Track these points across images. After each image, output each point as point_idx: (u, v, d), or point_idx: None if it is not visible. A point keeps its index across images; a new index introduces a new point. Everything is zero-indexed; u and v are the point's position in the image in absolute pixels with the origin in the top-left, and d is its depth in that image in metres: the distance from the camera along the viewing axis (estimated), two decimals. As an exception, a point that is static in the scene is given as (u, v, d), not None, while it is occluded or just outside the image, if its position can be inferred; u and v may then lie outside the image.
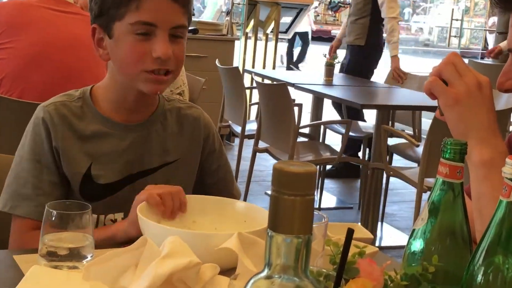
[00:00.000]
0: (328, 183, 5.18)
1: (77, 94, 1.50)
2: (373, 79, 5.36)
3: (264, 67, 6.98)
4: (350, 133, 4.74)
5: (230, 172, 1.65)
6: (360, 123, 4.92)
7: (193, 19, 5.23)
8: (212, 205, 1.39)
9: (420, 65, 12.70)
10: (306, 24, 13.93)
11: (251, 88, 6.05)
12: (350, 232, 0.76)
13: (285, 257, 0.61)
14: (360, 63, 5.29)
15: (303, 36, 14.05)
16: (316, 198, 4.80)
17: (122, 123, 1.49)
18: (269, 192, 4.06)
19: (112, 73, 1.49)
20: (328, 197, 4.95)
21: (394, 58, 5.11)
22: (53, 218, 1.17)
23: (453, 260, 0.91)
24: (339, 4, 18.46)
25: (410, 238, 0.94)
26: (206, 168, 1.60)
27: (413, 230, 0.94)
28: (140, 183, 1.46)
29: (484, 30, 14.03)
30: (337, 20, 22.08)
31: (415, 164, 4.15)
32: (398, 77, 5.08)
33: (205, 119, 1.60)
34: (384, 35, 5.24)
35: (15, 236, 1.45)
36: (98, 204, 1.44)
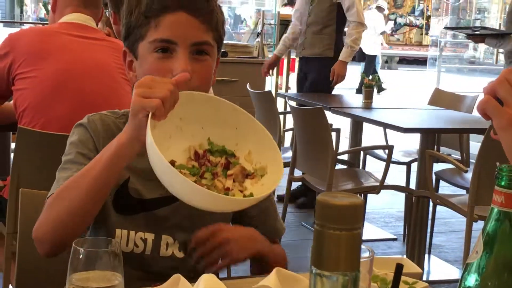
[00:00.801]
0: (371, 213, 5.14)
1: (121, 112, 1.56)
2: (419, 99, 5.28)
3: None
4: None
5: (274, 204, 1.65)
6: (402, 147, 4.88)
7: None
8: (199, 102, 1.37)
9: (466, 84, 12.62)
10: (374, 46, 13.99)
11: (285, 113, 6.07)
12: (399, 267, 0.75)
13: (331, 296, 0.61)
14: (328, 76, 5.17)
15: (370, 59, 14.10)
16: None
17: None
18: (305, 224, 4.05)
19: None
20: (369, 227, 4.91)
21: (345, 64, 5.07)
22: (81, 256, 1.17)
23: (512, 296, 0.89)
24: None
25: (464, 272, 0.93)
26: None
27: (467, 264, 0.93)
28: (176, 206, 1.48)
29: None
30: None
31: (463, 191, 4.10)
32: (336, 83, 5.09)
33: None
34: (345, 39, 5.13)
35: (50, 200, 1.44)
36: (128, 219, 1.47)
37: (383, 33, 15.13)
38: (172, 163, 1.30)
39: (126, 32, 1.48)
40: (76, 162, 1.46)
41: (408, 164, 4.64)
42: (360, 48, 13.88)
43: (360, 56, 14.13)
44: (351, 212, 0.58)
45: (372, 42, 13.87)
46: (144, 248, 1.48)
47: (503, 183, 0.89)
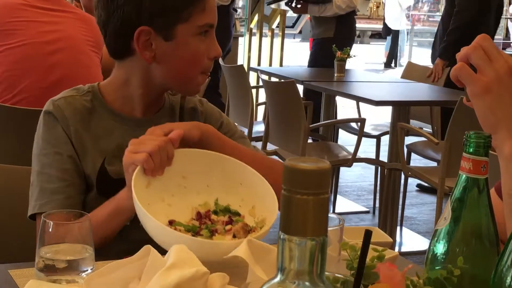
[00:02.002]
0: (344, 186, 5.17)
1: (86, 88, 1.53)
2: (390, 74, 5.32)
3: (270, 65, 6.98)
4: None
5: (245, 137, 1.67)
6: (374, 121, 4.91)
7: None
8: (202, 160, 1.38)
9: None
10: (399, 22, 13.89)
11: (257, 87, 6.06)
12: (368, 233, 0.75)
13: (299, 262, 0.61)
14: (328, 55, 5.11)
15: (395, 34, 14.01)
16: (330, 201, 4.79)
17: (132, 117, 1.52)
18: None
19: (145, 76, 1.49)
20: (343, 200, 4.94)
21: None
22: (50, 229, 1.17)
23: (480, 262, 0.90)
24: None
25: (432, 239, 0.94)
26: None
27: (436, 230, 0.93)
28: None
29: (505, 18, 13.97)
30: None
31: (434, 164, 4.14)
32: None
33: (203, 107, 1.62)
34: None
35: None
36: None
37: (408, 8, 15.07)
38: (172, 222, 1.31)
39: (156, 12, 1.42)
40: (56, 167, 1.45)
41: (378, 138, 4.66)
42: (385, 24, 13.90)
43: (386, 31, 14.10)
44: (319, 177, 0.58)
45: (397, 18, 13.83)
46: None
47: (471, 149, 0.90)
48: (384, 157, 4.49)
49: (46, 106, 1.50)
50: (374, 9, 22.12)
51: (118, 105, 1.53)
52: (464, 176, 0.91)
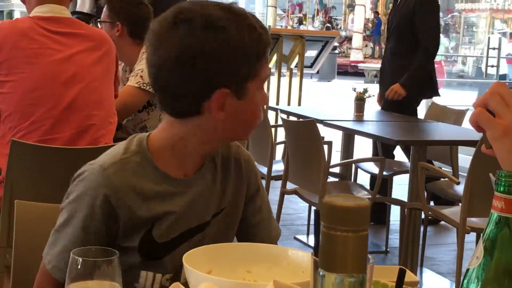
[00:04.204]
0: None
1: (134, 146, 1.46)
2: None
3: (289, 104, 7.01)
4: (372, 171, 4.73)
5: (271, 210, 1.65)
6: (387, 160, 4.90)
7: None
8: (267, 254, 1.37)
9: (455, 98, 12.69)
10: None
11: (276, 126, 6.08)
12: (402, 272, 0.75)
13: (338, 299, 0.61)
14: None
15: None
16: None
17: (181, 178, 1.47)
18: (298, 236, 4.05)
19: (204, 131, 1.44)
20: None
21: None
22: (79, 266, 1.17)
23: (513, 302, 0.89)
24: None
25: (464, 278, 0.93)
26: (250, 208, 1.59)
27: (467, 270, 0.93)
28: (196, 239, 1.47)
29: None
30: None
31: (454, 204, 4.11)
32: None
33: (245, 155, 1.59)
34: None
35: None
36: (154, 263, 1.44)
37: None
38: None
39: (234, 73, 1.39)
40: (81, 241, 1.38)
41: (390, 177, 4.64)
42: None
43: None
44: (358, 213, 0.58)
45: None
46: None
47: (502, 188, 0.90)
48: (399, 196, 4.48)
49: (94, 174, 1.41)
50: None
51: (165, 164, 1.45)
52: (496, 215, 0.91)
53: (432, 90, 5.13)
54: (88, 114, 2.55)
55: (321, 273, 0.60)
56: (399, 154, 5.51)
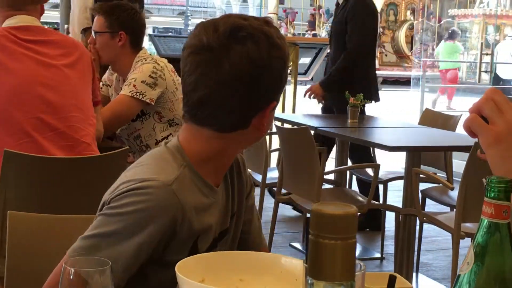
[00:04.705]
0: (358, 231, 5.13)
1: (180, 159, 1.44)
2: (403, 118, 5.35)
3: (283, 111, 7.01)
4: (365, 178, 4.73)
5: (258, 215, 1.68)
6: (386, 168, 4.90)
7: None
8: (260, 262, 1.37)
9: (448, 104, 12.73)
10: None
11: (270, 134, 6.07)
12: (392, 278, 0.75)
13: (327, 307, 0.61)
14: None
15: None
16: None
17: (215, 187, 1.48)
18: (293, 244, 4.05)
19: (238, 143, 1.48)
20: (356, 246, 4.91)
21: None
22: (71, 277, 1.17)
23: (504, 308, 0.90)
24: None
25: (455, 285, 0.93)
26: (245, 208, 1.61)
27: (459, 276, 0.93)
28: (221, 246, 1.48)
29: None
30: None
31: (448, 209, 4.12)
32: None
33: (241, 157, 1.62)
34: None
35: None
36: None
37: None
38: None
39: (282, 87, 1.46)
40: (131, 257, 1.35)
41: (385, 183, 4.64)
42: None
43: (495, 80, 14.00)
44: (346, 221, 0.58)
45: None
46: None
47: (492, 194, 0.90)
48: (393, 202, 4.48)
49: (160, 188, 1.36)
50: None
51: (208, 177, 1.46)
52: (486, 221, 0.91)
53: (370, 93, 5.11)
54: (67, 116, 2.56)
55: (309, 281, 0.60)
56: (393, 159, 5.52)
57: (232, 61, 1.36)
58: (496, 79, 12.79)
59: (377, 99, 5.23)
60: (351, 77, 5.06)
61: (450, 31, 15.63)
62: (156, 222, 1.35)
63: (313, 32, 22.83)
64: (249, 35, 1.37)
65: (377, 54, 23.40)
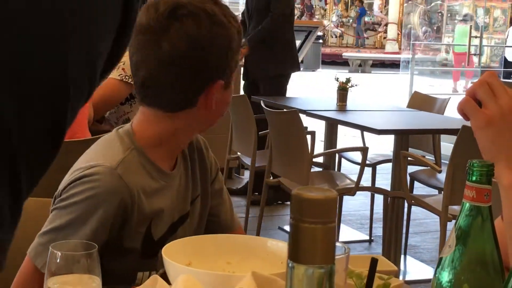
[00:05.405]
0: (347, 215, 5.17)
1: (128, 142, 1.45)
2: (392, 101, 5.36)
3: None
4: (356, 160, 4.75)
5: (230, 197, 1.68)
6: (374, 150, 4.92)
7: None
8: (246, 245, 1.38)
9: (439, 87, 12.74)
10: None
11: (259, 117, 6.07)
12: (374, 262, 0.76)
13: (307, 289, 0.61)
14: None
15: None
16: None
17: (169, 172, 1.48)
18: (283, 227, 4.05)
19: (190, 122, 1.46)
20: (346, 229, 4.93)
21: None
22: (58, 260, 1.17)
23: (485, 289, 0.91)
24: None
25: (437, 267, 0.94)
26: (212, 190, 1.62)
27: (440, 258, 0.94)
28: (180, 231, 1.48)
29: (505, 47, 14.07)
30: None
31: (436, 192, 4.14)
32: None
33: (203, 142, 1.62)
34: None
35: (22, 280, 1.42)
36: (149, 261, 1.45)
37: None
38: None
39: (229, 65, 1.44)
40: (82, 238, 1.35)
41: (373, 166, 4.66)
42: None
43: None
44: (326, 206, 0.59)
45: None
46: None
47: (474, 178, 0.91)
48: (382, 185, 4.50)
49: (106, 174, 1.37)
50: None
51: (160, 160, 1.46)
52: (467, 204, 0.92)
53: (287, 59, 5.38)
54: None
55: (290, 264, 0.61)
56: (381, 143, 5.54)
57: (171, 40, 1.36)
58: (506, 63, 12.82)
59: (294, 67, 5.45)
60: (273, 40, 5.29)
61: (464, 15, 15.67)
62: (105, 206, 1.36)
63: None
64: (189, 13, 1.37)
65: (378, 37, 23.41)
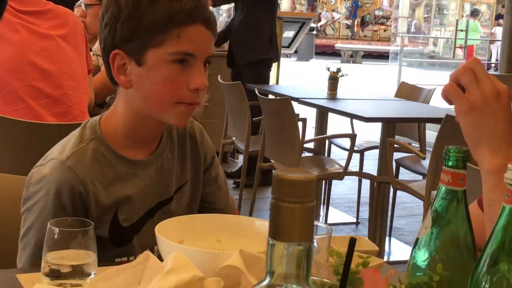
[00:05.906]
0: (335, 198, 5.18)
1: (88, 134, 1.42)
2: (381, 91, 5.37)
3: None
4: (345, 147, 4.76)
5: (226, 179, 1.66)
6: (362, 137, 4.93)
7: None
8: (236, 224, 1.38)
9: (426, 78, 12.74)
10: None
11: (253, 104, 6.07)
12: (352, 241, 0.77)
13: (286, 266, 0.62)
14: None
15: None
16: (322, 213, 4.81)
17: (138, 159, 1.44)
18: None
19: (130, 102, 1.41)
20: (334, 212, 4.95)
21: None
22: (55, 236, 1.18)
23: (458, 269, 0.91)
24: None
25: (414, 247, 0.95)
26: (207, 177, 1.59)
27: (417, 239, 0.95)
28: (159, 215, 1.45)
29: (491, 40, 14.08)
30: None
31: (420, 177, 4.16)
32: None
33: (198, 128, 1.58)
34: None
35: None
36: (124, 248, 1.43)
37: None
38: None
39: (129, 35, 1.35)
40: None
41: (361, 152, 4.68)
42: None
43: None
44: (305, 186, 0.59)
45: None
46: None
47: (450, 163, 0.92)
48: (369, 170, 4.52)
49: (54, 168, 1.36)
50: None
51: (120, 146, 1.43)
52: (443, 188, 0.93)
53: (263, 49, 5.32)
54: (61, 84, 2.55)
55: (270, 241, 0.62)
56: (369, 130, 5.54)
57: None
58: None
59: (266, 53, 5.35)
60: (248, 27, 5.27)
61: (472, 10, 15.70)
62: (59, 198, 1.35)
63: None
64: None
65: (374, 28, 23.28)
